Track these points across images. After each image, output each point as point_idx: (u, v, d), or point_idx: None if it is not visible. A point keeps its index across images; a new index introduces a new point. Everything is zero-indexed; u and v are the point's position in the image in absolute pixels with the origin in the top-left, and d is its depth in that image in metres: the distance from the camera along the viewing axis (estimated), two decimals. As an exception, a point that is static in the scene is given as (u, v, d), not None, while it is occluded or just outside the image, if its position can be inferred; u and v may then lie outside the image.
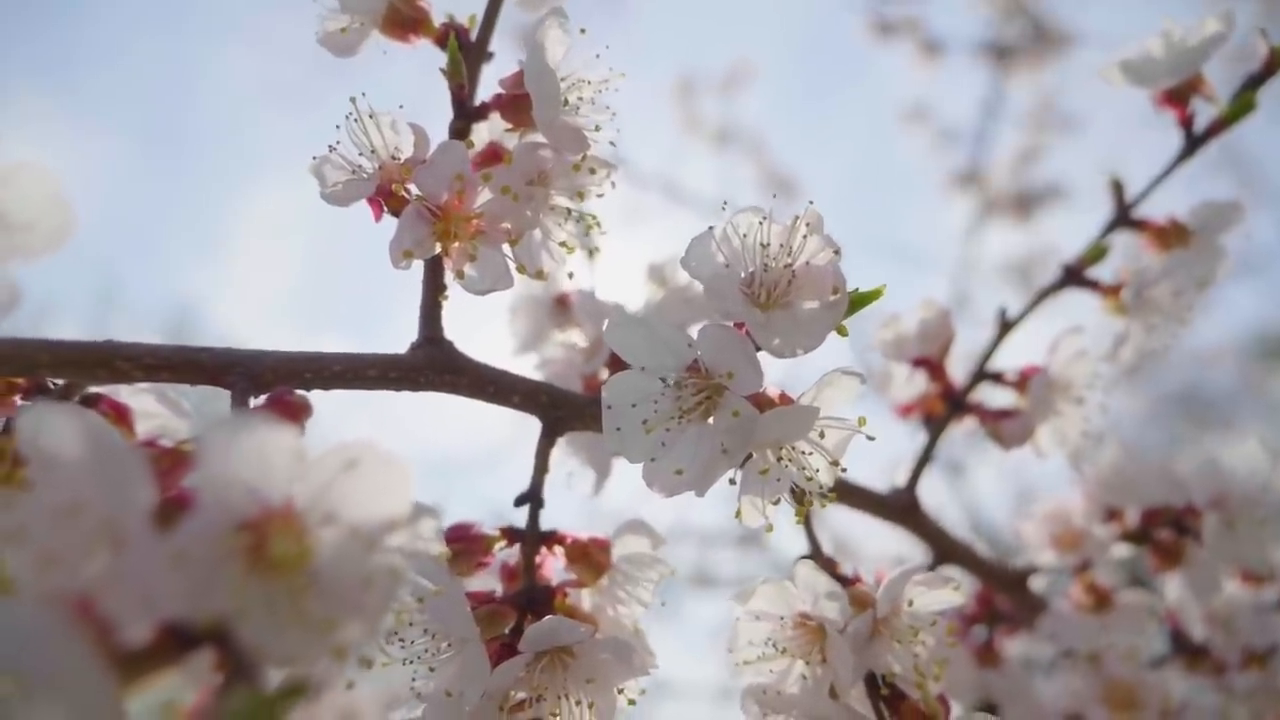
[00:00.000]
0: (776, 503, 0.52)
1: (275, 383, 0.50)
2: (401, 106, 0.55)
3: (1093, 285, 0.83)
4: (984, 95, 3.80)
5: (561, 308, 0.83)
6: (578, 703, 0.53)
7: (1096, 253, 0.82)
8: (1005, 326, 0.84)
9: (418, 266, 0.57)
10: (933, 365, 0.83)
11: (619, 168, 0.60)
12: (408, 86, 0.56)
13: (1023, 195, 3.99)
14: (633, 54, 0.57)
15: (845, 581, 0.61)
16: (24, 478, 0.46)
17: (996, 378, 0.84)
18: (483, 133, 0.60)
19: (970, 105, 3.92)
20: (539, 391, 0.60)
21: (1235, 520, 0.79)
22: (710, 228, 0.50)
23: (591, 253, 0.77)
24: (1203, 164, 0.83)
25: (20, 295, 0.38)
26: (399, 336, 0.58)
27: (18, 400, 0.50)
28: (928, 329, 0.82)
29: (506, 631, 0.57)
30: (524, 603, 0.58)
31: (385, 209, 0.55)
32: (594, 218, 0.59)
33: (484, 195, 0.55)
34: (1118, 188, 0.84)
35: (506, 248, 0.56)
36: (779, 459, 0.52)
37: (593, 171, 0.57)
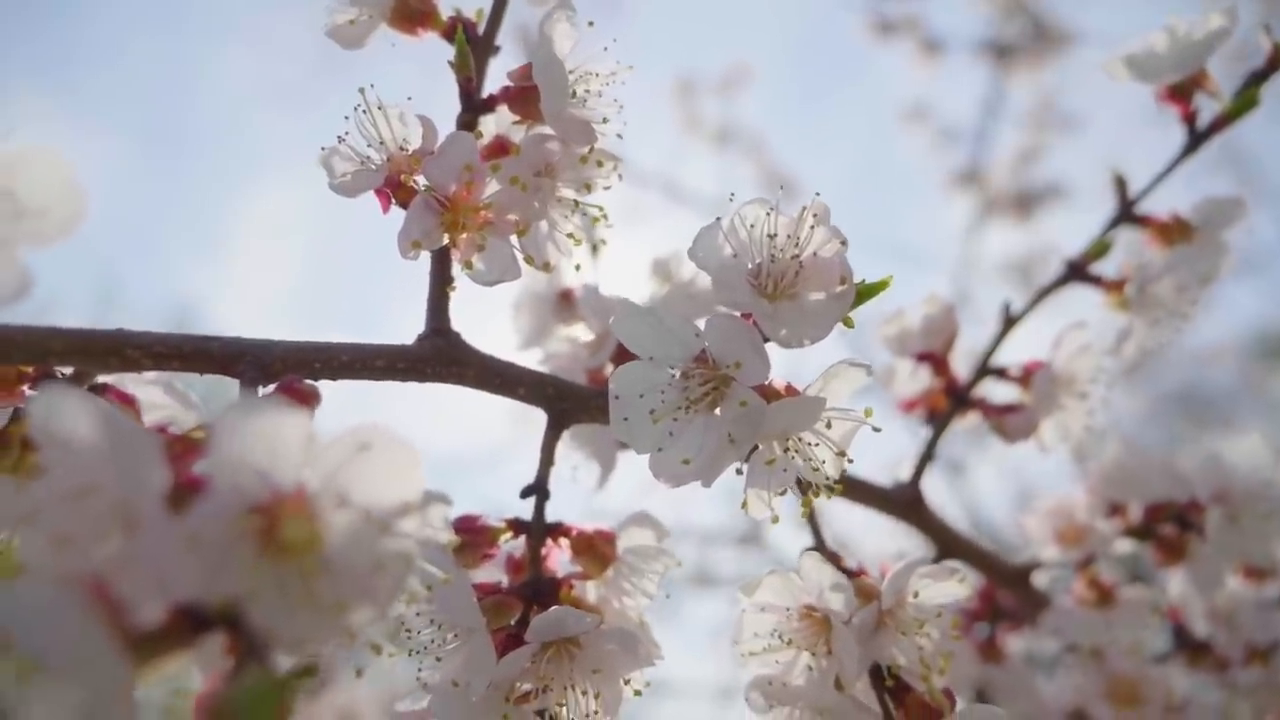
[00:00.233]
0: (783, 494, 0.53)
1: (284, 372, 0.50)
2: (410, 98, 0.55)
3: (1096, 281, 0.83)
4: (984, 94, 3.81)
5: (565, 303, 0.83)
6: (584, 693, 0.53)
7: (1100, 248, 0.82)
8: (1009, 321, 0.85)
9: (423, 261, 0.57)
10: (937, 360, 0.83)
11: (623, 161, 0.60)
12: (409, 86, 0.56)
13: (1023, 194, 3.99)
14: (632, 54, 0.57)
15: (850, 574, 0.61)
16: (33, 465, 0.47)
17: (1000, 373, 0.84)
18: (489, 126, 0.61)
19: (970, 104, 3.93)
20: (545, 383, 0.60)
21: (1239, 515, 0.79)
22: (718, 219, 0.51)
23: (596, 247, 0.77)
24: (1203, 163, 0.83)
25: (32, 281, 0.38)
26: (399, 336, 0.58)
27: (26, 390, 0.50)
28: (932, 324, 0.82)
29: (512, 622, 0.57)
30: (530, 594, 0.58)
31: (393, 200, 0.55)
32: (601, 209, 0.59)
33: (491, 187, 0.55)
34: (1121, 183, 0.84)
35: (514, 239, 0.56)
36: (785, 450, 0.52)
37: (600, 164, 0.57)
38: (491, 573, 0.62)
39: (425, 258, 0.58)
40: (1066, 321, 0.82)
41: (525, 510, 0.61)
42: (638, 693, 0.55)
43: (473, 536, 0.59)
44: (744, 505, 0.53)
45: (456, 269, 0.57)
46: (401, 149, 0.55)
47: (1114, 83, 0.80)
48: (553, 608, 0.54)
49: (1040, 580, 0.88)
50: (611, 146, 0.58)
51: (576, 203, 0.58)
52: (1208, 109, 0.81)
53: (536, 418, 0.60)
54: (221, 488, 0.34)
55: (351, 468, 0.35)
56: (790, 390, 0.52)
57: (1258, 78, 0.79)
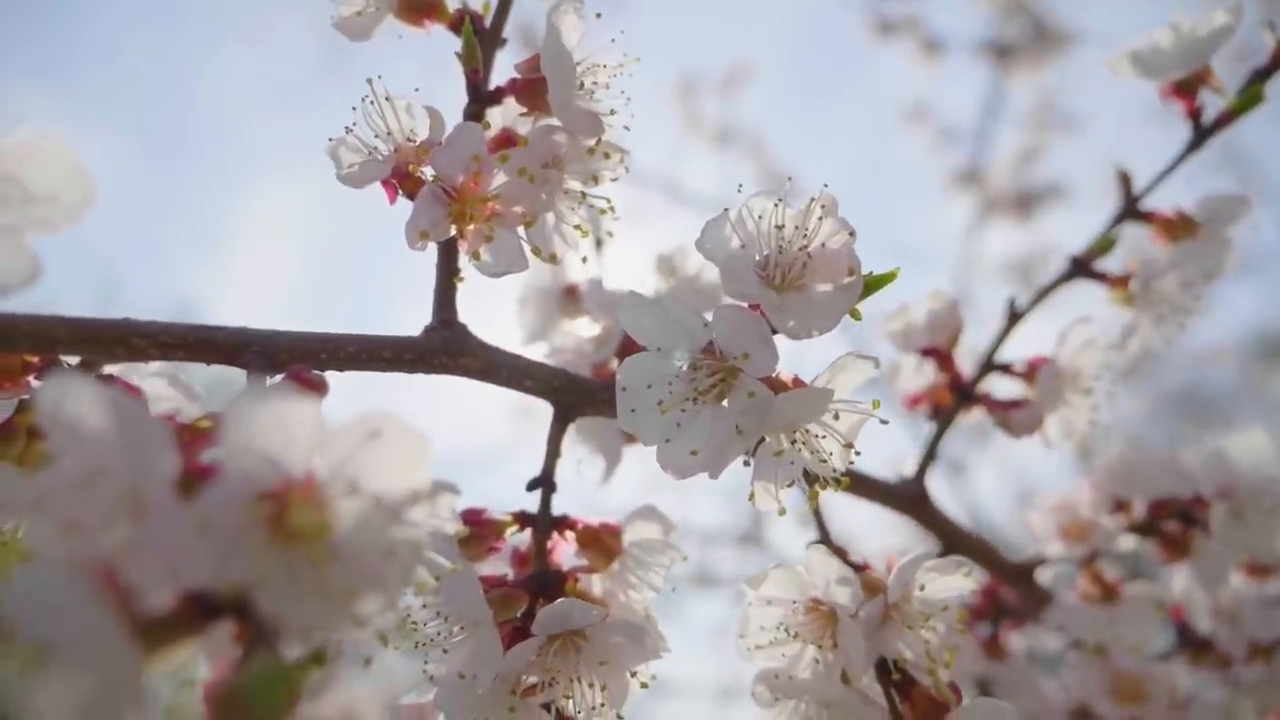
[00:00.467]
0: (789, 486, 0.52)
1: (290, 362, 0.50)
2: (417, 90, 0.55)
3: (1100, 277, 0.83)
4: (984, 94, 3.81)
5: (570, 297, 0.83)
6: (590, 685, 0.53)
7: (1105, 244, 0.82)
8: (1014, 317, 0.85)
9: (424, 259, 0.57)
10: (941, 355, 0.83)
11: (630, 153, 0.60)
12: (410, 85, 0.56)
13: (1023, 194, 3.99)
14: (633, 52, 0.57)
15: (856, 568, 0.61)
16: (39, 454, 0.46)
17: (1005, 368, 0.84)
18: (496, 119, 0.60)
19: (970, 104, 3.93)
20: (552, 376, 0.60)
21: (1243, 510, 0.79)
22: (725, 210, 0.51)
23: (600, 241, 0.77)
24: (1203, 163, 0.83)
25: (41, 267, 0.38)
26: (401, 333, 0.57)
27: (32, 380, 0.50)
28: (936, 319, 0.82)
29: (518, 615, 0.57)
30: (536, 587, 0.58)
31: (400, 191, 0.55)
32: (608, 201, 0.59)
33: (498, 179, 0.55)
34: (1125, 179, 0.84)
35: (521, 230, 0.56)
36: (793, 442, 0.52)
37: (607, 156, 0.57)
38: (496, 566, 0.62)
39: (431, 250, 0.57)
40: (1069, 319, 0.82)
41: (529, 505, 0.61)
42: (644, 685, 0.54)
43: (479, 529, 0.59)
44: (751, 497, 0.53)
45: (463, 260, 0.57)
46: (409, 140, 0.55)
47: (1116, 80, 0.80)
48: (559, 600, 0.54)
49: (1044, 577, 0.88)
50: (618, 139, 0.58)
51: (583, 195, 0.58)
52: (1212, 106, 0.81)
53: (538, 416, 0.60)
54: (231, 474, 0.33)
55: (362, 455, 0.34)
56: (797, 382, 0.52)
57: (1262, 75, 0.79)
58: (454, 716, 0.52)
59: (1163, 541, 0.85)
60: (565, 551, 0.62)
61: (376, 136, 0.55)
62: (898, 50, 4.01)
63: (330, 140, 0.55)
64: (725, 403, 0.50)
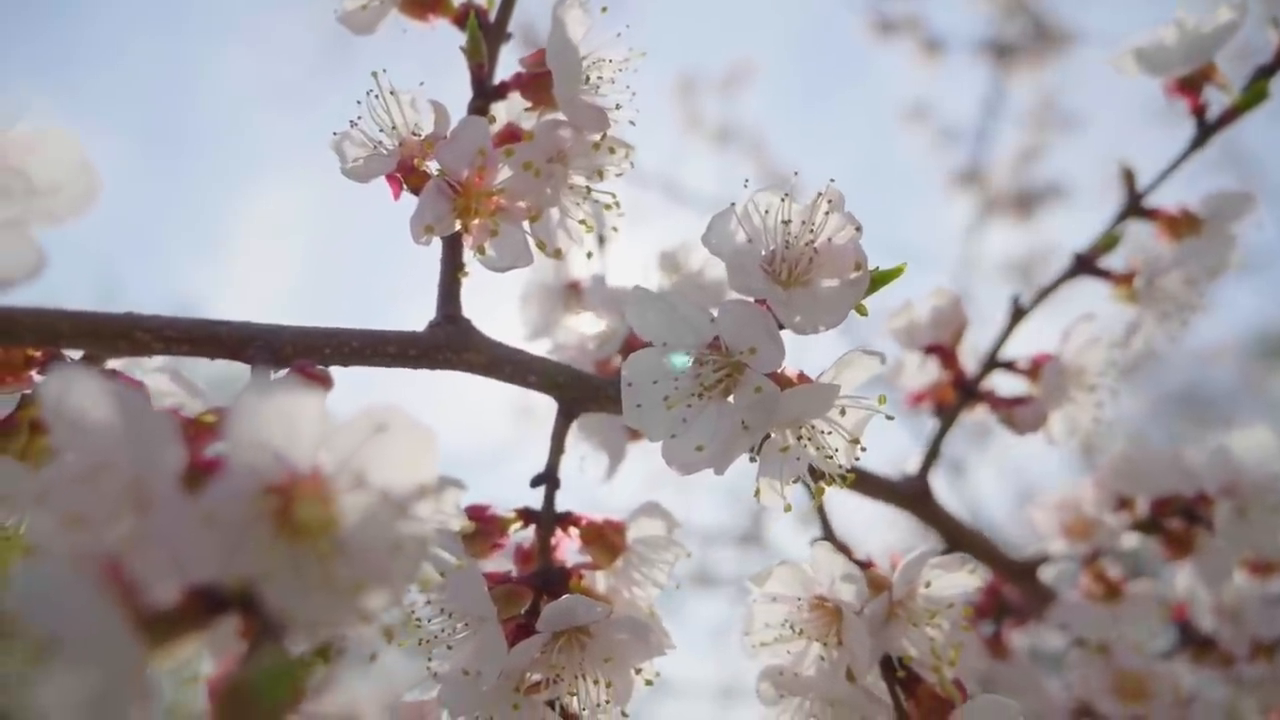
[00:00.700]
0: (795, 482, 0.52)
1: (294, 357, 0.50)
2: (422, 84, 0.54)
3: (1104, 274, 0.83)
4: (985, 94, 3.81)
5: (573, 293, 0.83)
6: (595, 682, 0.53)
7: (1109, 241, 0.82)
8: (1018, 314, 0.84)
9: (422, 256, 0.57)
10: (945, 352, 0.83)
11: (636, 149, 0.60)
12: (410, 84, 0.55)
13: (1023, 194, 3.99)
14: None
15: (860, 565, 0.61)
16: (41, 448, 0.46)
17: (1008, 366, 0.84)
18: (500, 114, 0.60)
19: (971, 104, 3.93)
20: (556, 372, 0.60)
21: (1247, 508, 0.79)
22: (731, 205, 0.50)
23: (604, 237, 0.77)
24: (1204, 162, 0.83)
25: (45, 260, 0.38)
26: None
27: (34, 374, 0.50)
28: (940, 316, 0.82)
29: (522, 612, 0.57)
30: (540, 583, 0.58)
31: (404, 186, 0.55)
32: (613, 196, 0.59)
33: (503, 173, 0.55)
34: (1129, 176, 0.84)
35: (526, 225, 0.56)
36: (799, 438, 0.51)
37: (612, 151, 0.57)
38: (500, 562, 0.62)
39: (435, 245, 0.57)
40: (1072, 316, 0.82)
41: (533, 502, 0.61)
42: (649, 682, 0.54)
43: (483, 525, 0.59)
44: (756, 494, 0.52)
45: (468, 255, 0.57)
46: (414, 134, 0.55)
47: (1117, 80, 0.80)
48: (564, 597, 0.54)
49: (1046, 575, 0.88)
50: (623, 134, 0.58)
51: (588, 190, 0.58)
52: (1215, 103, 0.81)
53: (539, 415, 0.60)
54: (237, 468, 0.33)
55: (368, 449, 0.34)
56: (803, 378, 0.52)
57: (1265, 72, 0.79)
58: (458, 713, 0.52)
59: (1166, 539, 0.85)
60: (569, 548, 0.62)
61: (381, 131, 0.55)
62: (898, 50, 4.01)
63: (335, 134, 0.54)
64: (731, 398, 0.50)
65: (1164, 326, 0.81)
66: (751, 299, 0.50)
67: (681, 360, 0.50)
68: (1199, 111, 0.80)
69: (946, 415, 0.84)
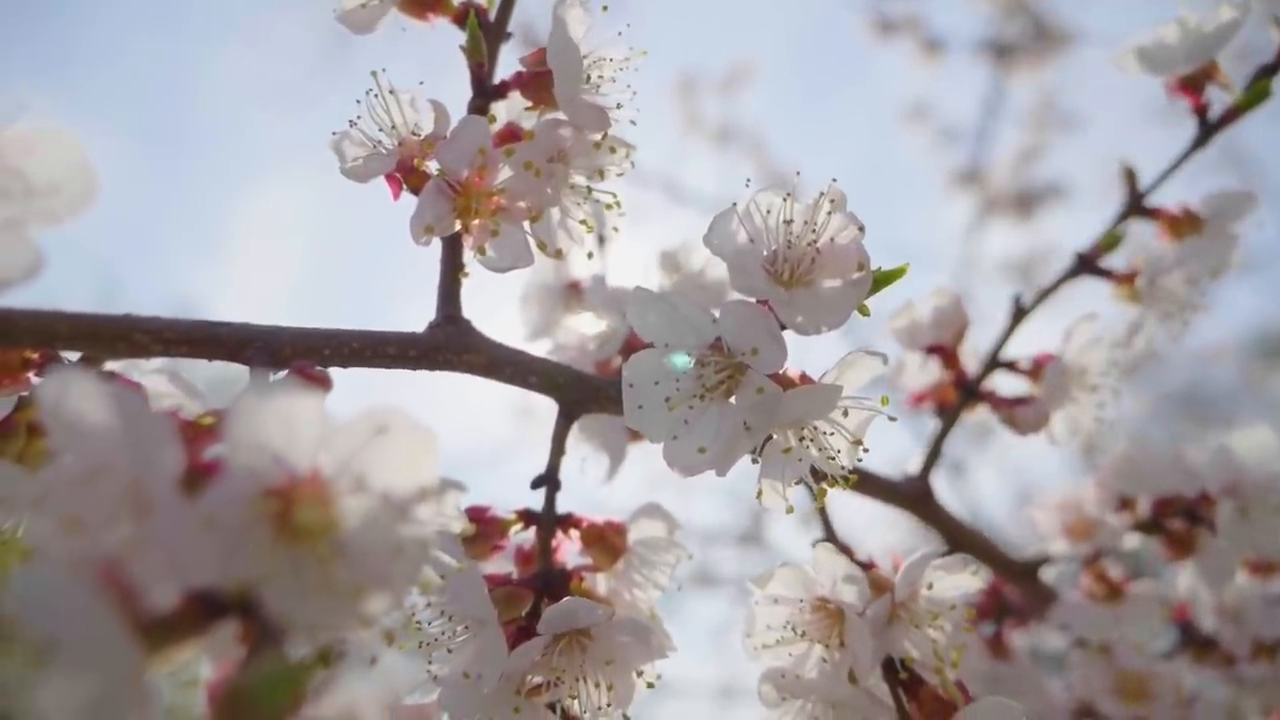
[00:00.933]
0: (797, 484, 0.52)
1: (293, 358, 0.49)
2: (421, 83, 0.54)
3: (1106, 273, 0.83)
4: (985, 94, 3.81)
5: (573, 294, 0.83)
6: (596, 685, 0.53)
7: (1111, 240, 0.82)
8: (1019, 314, 0.84)
9: (422, 257, 0.56)
10: (946, 353, 0.83)
11: (637, 148, 0.60)
12: (409, 84, 0.55)
13: (1023, 194, 3.99)
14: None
15: (862, 567, 0.61)
16: (39, 451, 0.46)
17: (1010, 366, 0.83)
18: (500, 113, 0.60)
19: (971, 104, 3.93)
20: (556, 373, 0.59)
21: (1249, 508, 0.79)
22: (733, 205, 0.50)
23: (604, 237, 0.76)
24: (1204, 162, 0.83)
25: (43, 261, 0.38)
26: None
27: (31, 376, 0.49)
28: (942, 316, 0.82)
29: (523, 614, 0.57)
30: (540, 585, 0.57)
31: (404, 186, 0.55)
32: (614, 196, 0.59)
33: (503, 173, 0.54)
34: (1130, 176, 0.84)
35: (526, 225, 0.55)
36: (801, 439, 0.51)
37: (612, 150, 0.57)
38: (501, 564, 0.62)
39: (435, 245, 0.57)
40: (1073, 316, 0.82)
41: (533, 503, 0.61)
42: (650, 685, 0.54)
43: (483, 527, 0.59)
44: (758, 495, 0.52)
45: (468, 255, 0.57)
46: (413, 134, 0.55)
47: (1117, 80, 0.80)
48: (564, 599, 0.54)
49: (1048, 575, 0.88)
50: (624, 133, 0.58)
51: (589, 190, 0.58)
52: (1217, 102, 0.81)
53: (539, 415, 0.60)
54: (236, 470, 0.33)
55: (369, 451, 0.34)
56: (805, 379, 0.52)
57: (1269, 70, 0.79)
58: (458, 717, 0.52)
59: (1168, 539, 0.84)
60: (570, 550, 0.61)
61: (380, 130, 0.55)
62: (898, 50, 4.01)
63: (334, 134, 0.54)
64: (733, 399, 0.50)
65: (1166, 326, 0.81)
66: (753, 299, 0.50)
67: (683, 361, 0.50)
68: (1201, 111, 0.80)
69: (948, 416, 0.84)
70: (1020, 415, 0.80)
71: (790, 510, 0.53)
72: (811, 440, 0.51)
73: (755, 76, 4.35)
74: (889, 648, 0.57)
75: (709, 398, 0.50)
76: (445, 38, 0.59)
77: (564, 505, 0.61)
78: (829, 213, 0.50)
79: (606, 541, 0.60)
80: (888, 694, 0.57)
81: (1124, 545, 0.86)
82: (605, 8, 0.55)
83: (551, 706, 0.53)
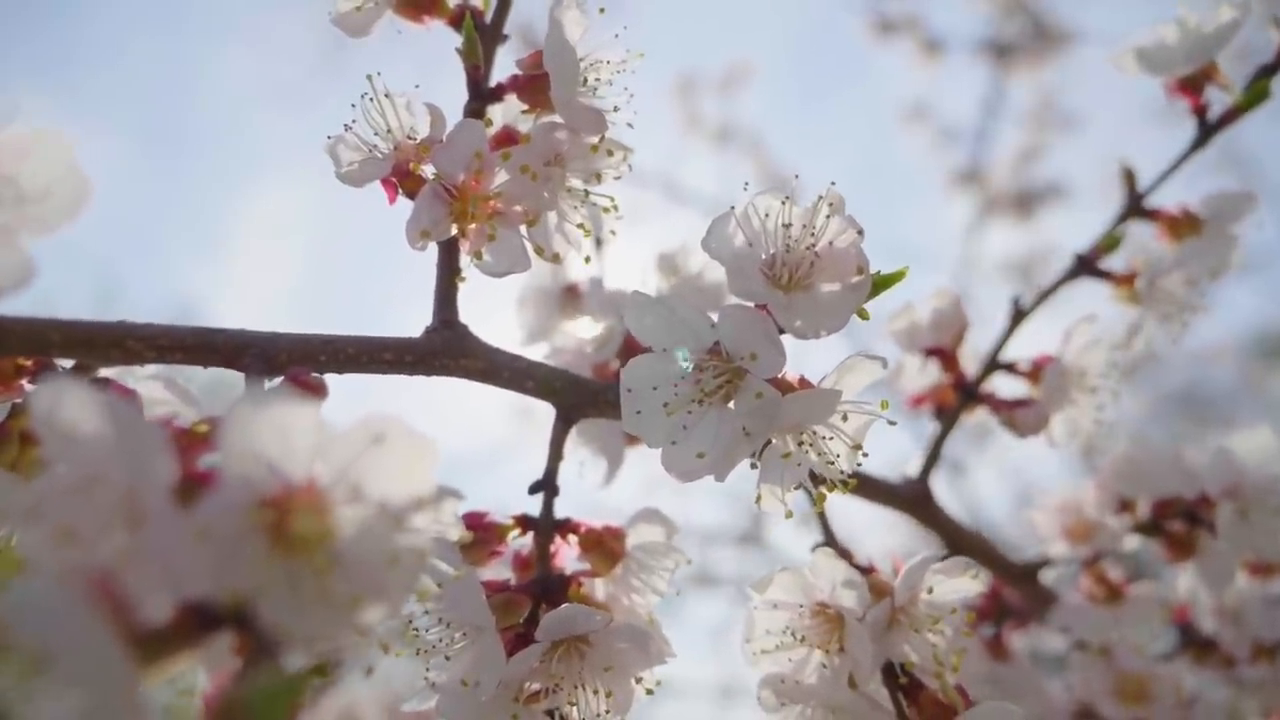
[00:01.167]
0: (797, 488, 0.52)
1: (289, 365, 0.49)
2: (417, 86, 0.54)
3: (1105, 275, 0.83)
4: (984, 94, 3.81)
5: (571, 297, 0.82)
6: (595, 692, 0.53)
7: (1111, 242, 0.82)
8: (1018, 316, 0.84)
9: (425, 259, 0.56)
10: (945, 355, 0.83)
11: (634, 151, 0.59)
12: (408, 85, 0.55)
13: (1023, 194, 3.99)
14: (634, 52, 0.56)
15: (862, 570, 0.60)
16: (33, 461, 0.46)
17: (1009, 367, 0.83)
18: (496, 116, 0.60)
19: (971, 104, 3.93)
20: (554, 377, 0.59)
21: (1249, 510, 0.78)
22: (731, 208, 0.50)
23: (601, 240, 0.76)
24: (1203, 163, 0.83)
25: (35, 268, 0.37)
26: (402, 334, 0.56)
27: (25, 384, 0.49)
28: (941, 318, 0.82)
29: (521, 621, 0.56)
30: (538, 591, 0.57)
31: (400, 190, 0.54)
32: (611, 200, 0.58)
33: (500, 177, 0.54)
34: (1130, 177, 0.84)
35: (523, 229, 0.55)
36: (800, 444, 0.51)
37: (610, 153, 0.57)
38: (498, 570, 0.61)
39: (432, 249, 0.57)
40: (1073, 317, 0.82)
41: (531, 508, 0.60)
42: (649, 691, 0.54)
43: (481, 533, 0.58)
44: (757, 500, 0.52)
45: (465, 260, 0.56)
46: (409, 138, 0.54)
47: (1117, 79, 0.80)
48: (563, 605, 0.53)
49: (1047, 577, 0.88)
50: (621, 136, 0.57)
51: (586, 193, 0.57)
52: (1217, 103, 0.80)
53: (537, 417, 0.60)
54: (231, 480, 0.33)
55: (365, 460, 0.34)
56: (804, 383, 0.52)
57: (1268, 70, 0.79)
58: (456, 724, 0.51)
59: (1168, 541, 0.84)
60: (568, 555, 0.61)
61: (376, 134, 0.54)
62: (898, 50, 4.00)
63: (329, 138, 0.54)
64: (731, 404, 0.49)
65: (1165, 328, 0.81)
66: (752, 304, 0.49)
67: (682, 364, 0.50)
68: (1200, 111, 0.80)
69: (947, 418, 0.83)
70: (1020, 417, 0.80)
71: (789, 515, 0.53)
72: (810, 445, 0.51)
73: (754, 76, 4.35)
74: (889, 652, 0.57)
75: (707, 403, 0.50)
76: (444, 38, 0.59)
77: (563, 506, 0.60)
78: (828, 216, 0.50)
79: (605, 547, 0.60)
80: (888, 699, 0.57)
81: (1124, 547, 0.86)
82: (602, 10, 0.55)
83: (550, 713, 0.53)
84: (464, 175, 0.53)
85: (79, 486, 0.33)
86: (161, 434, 0.33)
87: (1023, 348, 0.84)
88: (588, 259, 0.61)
